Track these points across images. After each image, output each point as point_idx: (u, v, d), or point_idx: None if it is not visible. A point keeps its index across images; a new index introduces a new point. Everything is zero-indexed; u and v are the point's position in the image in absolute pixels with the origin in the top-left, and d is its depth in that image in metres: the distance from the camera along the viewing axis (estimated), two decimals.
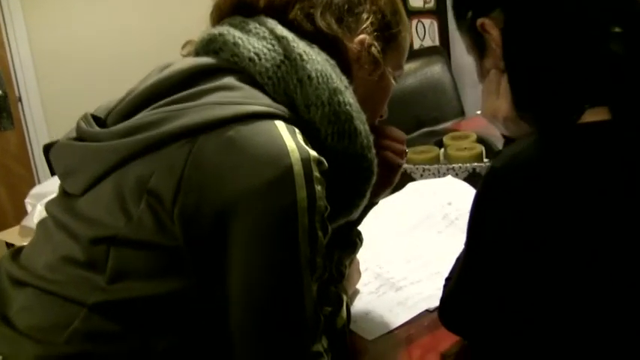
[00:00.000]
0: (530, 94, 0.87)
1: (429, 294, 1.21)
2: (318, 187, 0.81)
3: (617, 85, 0.82)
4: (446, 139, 1.87)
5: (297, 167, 0.79)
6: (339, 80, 0.90)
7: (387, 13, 1.00)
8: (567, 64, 0.84)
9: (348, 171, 0.92)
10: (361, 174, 0.94)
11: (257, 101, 0.85)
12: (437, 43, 3.13)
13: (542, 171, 0.79)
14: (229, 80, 0.88)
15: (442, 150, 1.85)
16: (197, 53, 0.96)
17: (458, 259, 1.06)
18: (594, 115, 0.82)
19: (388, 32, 1.00)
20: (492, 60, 0.95)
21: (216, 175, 0.79)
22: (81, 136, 0.91)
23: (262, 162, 0.79)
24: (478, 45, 0.96)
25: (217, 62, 0.90)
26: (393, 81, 1.04)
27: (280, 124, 0.83)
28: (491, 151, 1.78)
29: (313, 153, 0.82)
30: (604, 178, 0.78)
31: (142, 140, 0.83)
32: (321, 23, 0.93)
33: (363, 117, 0.93)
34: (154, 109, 0.86)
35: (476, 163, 1.67)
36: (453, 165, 1.68)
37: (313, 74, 0.88)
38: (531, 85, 0.87)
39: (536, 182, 0.78)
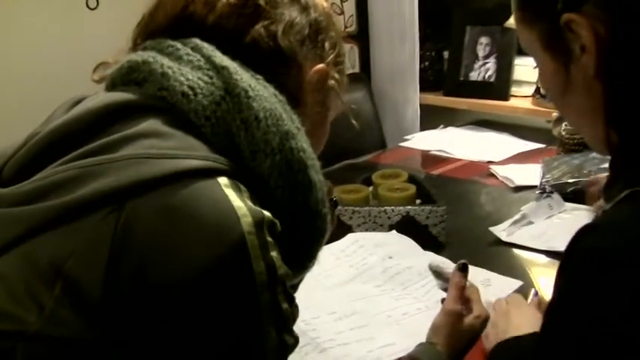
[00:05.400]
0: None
1: (356, 357, 1.12)
2: (274, 254, 0.67)
3: None
4: (375, 178, 1.75)
5: (251, 236, 0.65)
6: (290, 121, 0.75)
7: (340, 47, 0.88)
8: None
9: (297, 230, 0.76)
10: (313, 233, 0.79)
11: (192, 153, 0.69)
12: (357, 69, 3.02)
13: None
14: (154, 124, 0.71)
15: (371, 188, 1.74)
16: (113, 84, 0.79)
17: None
18: None
19: (341, 66, 0.88)
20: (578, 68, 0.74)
21: (153, 255, 0.63)
22: None
23: (208, 234, 0.64)
24: (555, 47, 0.74)
25: (139, 99, 0.74)
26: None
27: (224, 182, 0.68)
28: (423, 191, 1.68)
29: (267, 214, 0.68)
30: None
31: (53, 208, 0.65)
32: (282, 42, 0.79)
33: (318, 165, 0.78)
34: (62, 163, 0.69)
35: (410, 207, 1.55)
36: (385, 207, 1.56)
37: (261, 114, 0.72)
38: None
39: None
